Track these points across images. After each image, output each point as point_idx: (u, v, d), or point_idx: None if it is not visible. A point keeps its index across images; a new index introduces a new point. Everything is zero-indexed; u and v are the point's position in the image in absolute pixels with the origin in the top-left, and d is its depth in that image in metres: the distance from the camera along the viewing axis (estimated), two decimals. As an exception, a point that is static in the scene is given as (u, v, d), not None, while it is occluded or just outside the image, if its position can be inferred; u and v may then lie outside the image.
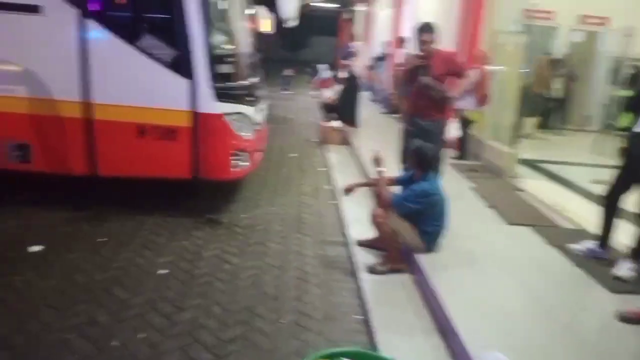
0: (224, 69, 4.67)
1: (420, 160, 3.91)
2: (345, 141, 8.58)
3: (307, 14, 29.60)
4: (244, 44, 5.50)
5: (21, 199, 4.83)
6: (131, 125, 4.50)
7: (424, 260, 3.85)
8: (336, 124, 8.92)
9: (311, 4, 25.53)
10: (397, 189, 4.11)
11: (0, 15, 4.24)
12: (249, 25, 6.17)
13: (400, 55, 10.36)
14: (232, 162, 4.83)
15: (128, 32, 4.37)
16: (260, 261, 4.08)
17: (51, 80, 4.41)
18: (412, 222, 3.89)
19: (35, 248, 3.92)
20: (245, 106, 4.94)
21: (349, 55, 10.57)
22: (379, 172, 4.07)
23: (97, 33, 4.33)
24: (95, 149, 4.55)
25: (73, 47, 4.33)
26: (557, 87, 9.97)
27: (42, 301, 3.21)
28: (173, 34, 4.40)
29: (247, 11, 6.04)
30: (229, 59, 4.81)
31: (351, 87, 9.34)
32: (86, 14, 4.29)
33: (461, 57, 6.33)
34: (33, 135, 4.50)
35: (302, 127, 10.24)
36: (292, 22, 4.29)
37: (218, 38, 4.82)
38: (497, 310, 3.18)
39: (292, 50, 30.02)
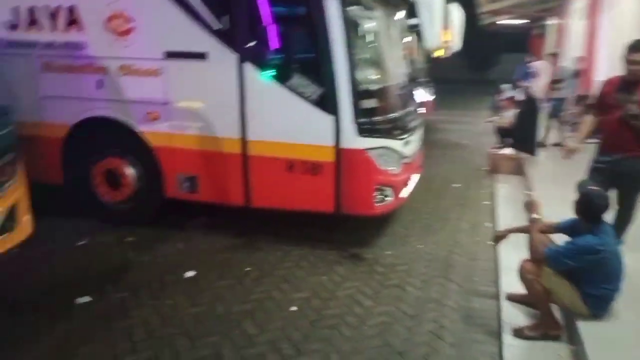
0: (369, 103, 4.60)
1: (586, 208, 3.28)
2: (518, 171, 7.79)
3: (495, 31, 28.27)
4: (398, 74, 5.37)
5: (191, 224, 5.39)
6: (281, 161, 4.70)
7: (586, 328, 3.20)
8: (509, 150, 8.16)
9: (498, 22, 24.28)
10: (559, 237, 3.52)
11: (174, 63, 4.80)
12: (409, 51, 6.05)
13: (560, 73, 9.15)
14: (376, 197, 4.72)
15: (279, 73, 4.58)
16: (394, 307, 3.85)
17: (216, 120, 4.85)
18: (572, 280, 3.28)
19: (190, 273, 4.30)
20: (391, 140, 4.79)
21: (528, 75, 9.64)
22: (533, 220, 3.52)
23: (252, 75, 4.63)
24: (250, 181, 4.85)
25: (233, 89, 4.69)
26: None
27: (180, 329, 3.48)
28: (319, 74, 4.48)
29: (406, 38, 5.93)
30: (375, 94, 4.72)
31: (529, 110, 8.46)
32: (244, 58, 4.61)
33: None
34: (200, 168, 4.99)
35: (475, 154, 9.61)
36: (439, 51, 4.03)
37: (366, 73, 4.78)
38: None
39: (480, 70, 28.82)
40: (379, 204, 4.77)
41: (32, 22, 5.15)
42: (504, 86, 14.02)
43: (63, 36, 5.09)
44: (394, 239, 5.21)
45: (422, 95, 11.64)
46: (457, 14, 6.06)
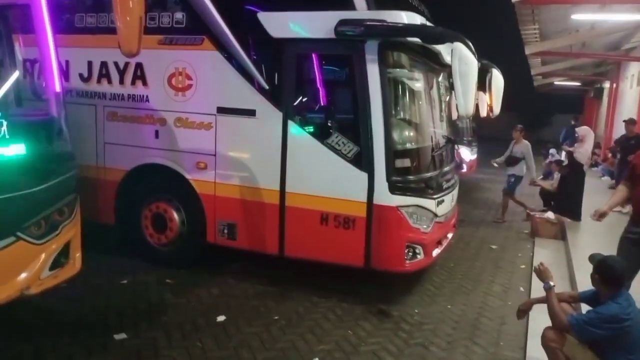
0: (403, 162, 4.79)
1: (607, 275, 3.28)
2: (560, 235, 7.65)
3: (548, 92, 28.12)
4: (435, 134, 5.54)
5: (228, 269, 5.62)
6: (315, 213, 4.91)
7: (610, 403, 3.13)
8: (552, 214, 8.05)
9: (555, 82, 24.20)
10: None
11: (224, 118, 5.19)
12: (449, 111, 6.23)
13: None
14: (407, 254, 4.81)
15: (320, 131, 4.86)
16: (416, 367, 3.88)
17: (258, 171, 5.16)
18: (596, 350, 3.25)
19: (221, 318, 4.49)
20: (424, 199, 4.92)
21: (573, 139, 9.57)
22: (547, 288, 3.51)
23: (295, 132, 4.94)
24: (285, 231, 5.06)
25: (277, 144, 5.00)
26: None
27: (203, 373, 3.65)
28: (356, 132, 4.74)
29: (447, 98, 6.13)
30: (409, 153, 4.93)
31: (573, 174, 8.40)
32: (288, 116, 4.94)
33: None
34: (240, 216, 5.27)
35: (517, 215, 9.49)
36: (470, 113, 4.17)
37: (402, 133, 5.00)
38: None
39: (531, 130, 28.51)
40: (409, 262, 4.86)
41: (102, 76, 5.72)
42: (552, 150, 13.91)
43: (128, 89, 5.61)
44: (422, 298, 5.24)
45: (465, 154, 11.75)
46: (498, 78, 6.22)
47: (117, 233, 5.92)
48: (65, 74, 5.82)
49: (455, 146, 7.18)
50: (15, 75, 4.07)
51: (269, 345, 4.09)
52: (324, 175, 4.89)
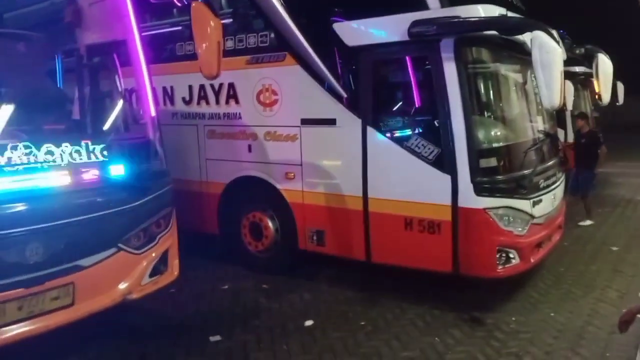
0: (488, 162, 4.57)
1: None
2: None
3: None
4: (526, 129, 5.19)
5: (321, 275, 5.75)
6: (399, 218, 4.85)
7: None
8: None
9: None
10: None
11: (308, 128, 5.35)
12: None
13: None
14: (499, 259, 4.56)
15: (399, 135, 4.82)
16: (504, 379, 3.66)
17: (341, 179, 5.24)
18: None
19: (309, 322, 4.61)
20: (516, 199, 4.62)
21: None
22: None
23: (374, 138, 4.94)
24: (371, 237, 5.07)
25: (357, 150, 5.05)
26: None
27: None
28: (436, 134, 4.62)
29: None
30: (495, 152, 4.69)
31: None
32: (367, 122, 4.96)
33: None
34: (327, 223, 5.38)
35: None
36: (557, 106, 3.78)
37: (486, 130, 4.77)
38: None
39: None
40: (502, 267, 4.60)
41: (201, 97, 6.21)
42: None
43: (223, 108, 6.03)
44: (522, 305, 4.90)
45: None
46: (606, 63, 5.65)
47: (220, 242, 6.36)
48: (170, 98, 6.44)
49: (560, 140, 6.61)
50: (121, 103, 4.58)
51: (353, 350, 4.12)
52: (406, 180, 4.82)
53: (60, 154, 3.49)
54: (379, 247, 5.04)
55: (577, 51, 9.76)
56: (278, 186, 5.67)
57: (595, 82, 5.78)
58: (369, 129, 4.95)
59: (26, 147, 3.32)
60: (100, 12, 4.35)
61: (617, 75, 6.03)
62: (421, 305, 4.89)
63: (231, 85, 5.90)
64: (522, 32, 4.37)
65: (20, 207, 3.27)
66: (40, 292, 3.36)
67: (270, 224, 5.85)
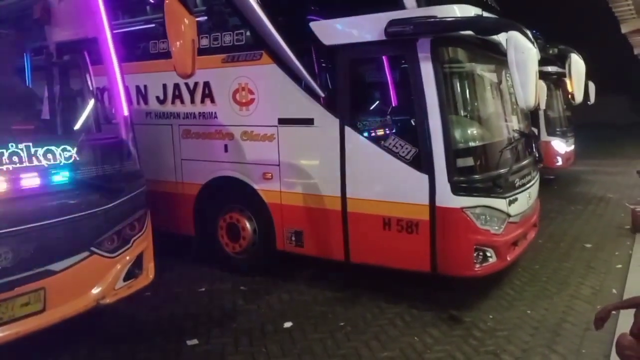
0: (465, 161, 4.59)
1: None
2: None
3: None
4: (502, 129, 5.24)
5: (299, 276, 5.70)
6: (377, 218, 4.84)
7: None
8: (657, 208, 7.25)
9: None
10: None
11: (285, 128, 5.30)
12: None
13: None
14: (476, 258, 4.59)
15: (377, 134, 4.81)
16: (483, 376, 3.68)
17: (319, 179, 5.20)
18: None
19: (288, 324, 4.57)
20: (493, 198, 4.66)
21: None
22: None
23: (352, 137, 4.92)
24: (350, 237, 5.05)
25: (335, 150, 5.02)
26: None
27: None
28: (413, 133, 4.63)
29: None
30: (472, 151, 4.72)
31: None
32: (345, 122, 4.94)
33: None
34: (306, 224, 5.34)
35: (619, 209, 8.66)
36: (532, 106, 3.83)
37: (463, 130, 4.80)
38: None
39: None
40: (479, 266, 4.64)
41: (176, 96, 6.09)
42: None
43: (199, 108, 5.93)
44: (499, 302, 4.95)
45: (559, 146, 10.96)
46: (578, 63, 5.75)
47: (197, 244, 6.26)
48: (144, 97, 6.31)
49: (534, 139, 6.69)
50: (92, 103, 4.46)
51: (332, 352, 4.09)
52: (384, 179, 4.82)
53: (29, 155, 3.37)
54: (358, 248, 5.02)
55: (551, 51, 9.94)
56: (255, 186, 5.60)
57: (568, 82, 5.89)
58: (347, 129, 4.92)
59: (-8, 148, 3.20)
60: (71, 8, 4.22)
61: (588, 75, 6.14)
62: (400, 305, 4.90)
63: (206, 84, 5.80)
64: (498, 33, 4.40)
65: (-14, 210, 3.15)
66: (10, 298, 3.26)
67: (247, 224, 5.77)
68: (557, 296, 5.10)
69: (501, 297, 5.09)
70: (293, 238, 5.43)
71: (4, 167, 3.24)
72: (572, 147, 11.80)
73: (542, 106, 5.44)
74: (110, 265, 3.84)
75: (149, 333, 4.45)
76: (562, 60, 6.18)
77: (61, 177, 3.56)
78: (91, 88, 4.40)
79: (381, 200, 4.81)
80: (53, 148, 3.50)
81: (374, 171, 4.86)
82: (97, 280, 3.75)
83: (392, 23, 4.48)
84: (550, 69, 10.30)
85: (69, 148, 3.59)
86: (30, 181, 3.40)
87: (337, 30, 4.90)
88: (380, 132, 4.77)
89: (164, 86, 6.12)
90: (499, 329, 4.40)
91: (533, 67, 4.05)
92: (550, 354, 3.97)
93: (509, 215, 4.81)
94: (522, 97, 4.04)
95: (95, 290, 3.72)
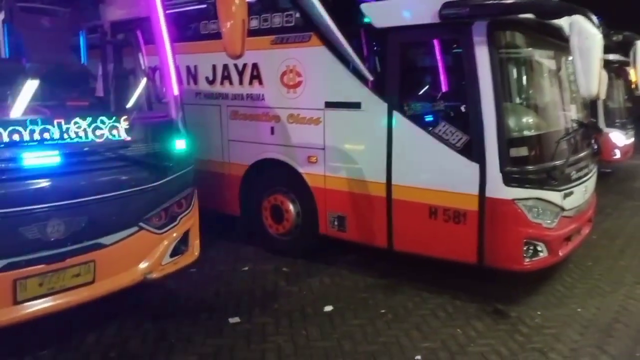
0: (519, 151, 4.41)
1: None
2: None
3: None
4: (560, 119, 5.00)
5: (342, 260, 5.68)
6: (424, 206, 4.74)
7: None
8: None
9: None
10: None
11: (332, 112, 5.24)
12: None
13: None
14: (525, 252, 4.43)
15: (426, 120, 4.69)
16: (529, 374, 3.56)
17: (365, 164, 5.13)
18: None
19: (329, 308, 4.56)
20: (547, 191, 4.46)
21: None
22: None
23: (400, 122, 4.81)
24: (393, 225, 4.97)
25: (382, 135, 4.93)
26: None
27: (305, 360, 3.74)
28: (465, 120, 4.48)
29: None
30: (527, 141, 4.52)
31: None
32: (393, 107, 4.83)
33: None
34: (349, 208, 5.30)
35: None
36: (594, 95, 3.62)
37: (518, 119, 4.60)
38: None
39: None
40: (529, 260, 4.47)
41: (225, 77, 6.13)
42: None
43: (247, 89, 5.95)
44: (548, 299, 4.77)
45: (618, 138, 10.42)
46: (641, 50, 5.40)
47: (241, 223, 6.33)
48: (194, 77, 6.39)
49: (593, 131, 6.36)
50: (144, 81, 4.53)
51: (372, 338, 4.05)
52: (432, 167, 4.70)
53: (83, 131, 3.46)
54: (402, 235, 4.94)
55: (614, 38, 9.39)
56: (300, 169, 5.59)
57: (632, 71, 5.55)
58: (395, 114, 4.82)
59: (49, 123, 3.30)
60: (125, -12, 4.30)
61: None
62: (442, 295, 4.80)
63: (255, 66, 5.80)
64: (560, 16, 4.16)
65: (41, 183, 3.26)
66: (61, 268, 3.38)
67: (291, 207, 5.78)
68: (610, 295, 4.87)
69: (550, 293, 4.90)
70: (336, 222, 5.41)
71: (59, 142, 3.34)
72: (632, 139, 11.19)
73: (602, 96, 5.13)
74: (157, 241, 3.93)
75: (193, 309, 4.54)
76: (625, 47, 5.80)
77: (113, 153, 3.64)
78: (143, 67, 4.47)
79: (428, 189, 4.70)
80: (106, 124, 3.58)
81: (422, 158, 4.75)
82: (144, 255, 3.84)
83: (446, 5, 4.31)
84: (612, 57, 9.76)
85: (121, 125, 3.66)
86: (83, 156, 3.49)
87: (388, 12, 4.77)
88: (429, 118, 4.65)
89: (214, 67, 6.16)
90: (547, 326, 4.24)
91: (597, 54, 3.82)
92: (601, 354, 3.79)
93: (562, 209, 4.61)
94: (585, 85, 3.82)
95: (143, 265, 3.82)
